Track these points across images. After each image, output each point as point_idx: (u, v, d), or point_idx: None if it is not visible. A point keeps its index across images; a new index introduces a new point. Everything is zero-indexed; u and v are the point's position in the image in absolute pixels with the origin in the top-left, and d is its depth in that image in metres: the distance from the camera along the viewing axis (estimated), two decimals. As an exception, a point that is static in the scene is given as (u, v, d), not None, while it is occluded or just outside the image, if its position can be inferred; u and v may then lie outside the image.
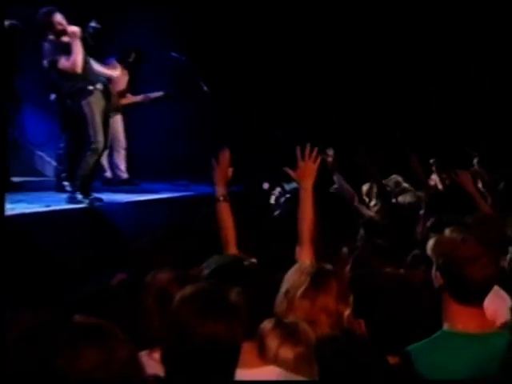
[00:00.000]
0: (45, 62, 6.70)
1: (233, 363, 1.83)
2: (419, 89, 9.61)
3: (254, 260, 3.07)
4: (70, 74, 6.47)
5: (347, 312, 2.54)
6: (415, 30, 9.35)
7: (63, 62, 6.42)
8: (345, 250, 3.65)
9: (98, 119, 6.53)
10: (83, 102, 6.48)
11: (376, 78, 9.48)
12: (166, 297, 2.34)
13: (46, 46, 6.60)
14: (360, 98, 9.49)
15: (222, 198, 3.39)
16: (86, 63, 6.51)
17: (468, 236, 2.73)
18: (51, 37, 6.52)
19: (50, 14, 6.47)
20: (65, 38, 6.46)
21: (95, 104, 6.53)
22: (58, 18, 6.47)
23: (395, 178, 6.50)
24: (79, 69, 6.41)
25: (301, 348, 2.30)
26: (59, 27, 6.45)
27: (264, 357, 2.25)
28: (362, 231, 4.12)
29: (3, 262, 4.20)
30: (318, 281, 2.54)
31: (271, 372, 2.17)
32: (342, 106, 9.46)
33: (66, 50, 6.42)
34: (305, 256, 3.22)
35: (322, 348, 2.07)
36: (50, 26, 6.47)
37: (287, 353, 2.28)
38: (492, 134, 9.01)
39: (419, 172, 5.45)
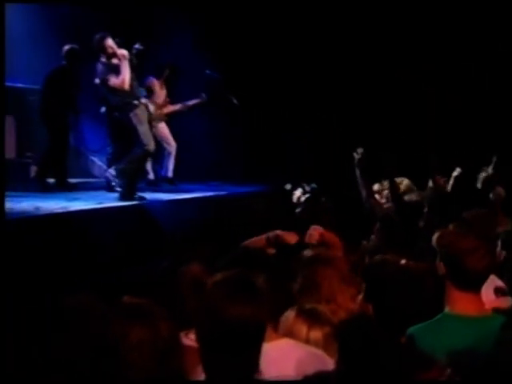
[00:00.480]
0: (97, 80, 6.82)
1: (259, 341, 1.81)
2: (420, 90, 9.14)
3: (272, 251, 3.13)
4: (118, 91, 6.53)
5: (360, 296, 2.55)
6: (417, 31, 8.91)
7: (113, 80, 6.50)
8: (364, 242, 3.67)
9: (146, 127, 6.62)
10: (131, 114, 6.54)
11: (383, 83, 9.16)
12: (198, 284, 2.33)
13: (99, 66, 6.69)
14: (369, 103, 9.18)
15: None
16: (131, 80, 6.58)
17: (468, 230, 2.74)
18: (103, 59, 6.60)
19: (102, 39, 6.54)
20: (115, 60, 6.53)
21: (141, 115, 6.60)
22: (109, 42, 6.54)
23: (402, 179, 6.45)
24: (127, 86, 6.49)
25: (327, 328, 2.31)
26: (110, 50, 6.52)
27: (279, 333, 2.24)
28: (378, 224, 4.11)
29: (52, 252, 4.27)
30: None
31: (286, 344, 2.18)
32: (357, 110, 9.19)
33: (116, 69, 6.50)
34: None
35: (344, 328, 2.06)
36: (103, 49, 6.55)
37: (317, 334, 2.29)
38: (494, 134, 8.51)
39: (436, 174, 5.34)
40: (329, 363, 2.11)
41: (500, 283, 2.96)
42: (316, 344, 2.24)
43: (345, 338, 1.98)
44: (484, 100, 8.92)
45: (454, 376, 1.91)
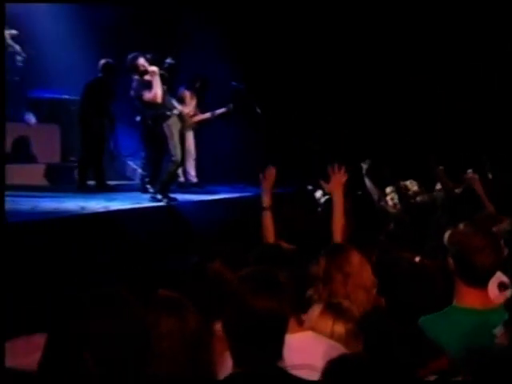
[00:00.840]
0: (132, 93, 6.90)
1: (282, 332, 1.81)
2: (429, 94, 9.03)
3: (293, 247, 3.05)
4: (152, 104, 6.62)
5: (374, 290, 2.52)
6: (428, 39, 8.81)
7: (147, 95, 6.59)
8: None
9: (176, 138, 6.67)
10: (164, 125, 6.61)
11: (395, 91, 9.08)
12: (219, 279, 2.37)
13: (133, 82, 6.79)
14: (382, 110, 9.16)
15: (266, 207, 3.38)
16: (164, 93, 6.64)
17: (477, 230, 2.72)
18: (136, 76, 6.69)
19: (134, 59, 6.64)
20: (147, 76, 6.61)
21: (173, 126, 6.66)
22: (141, 61, 6.64)
23: (411, 181, 6.44)
24: (159, 99, 6.57)
25: (351, 324, 2.27)
26: (142, 68, 6.62)
27: (302, 325, 2.22)
28: (392, 225, 4.11)
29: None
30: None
31: (308, 336, 2.17)
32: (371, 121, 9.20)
33: (148, 85, 6.59)
34: None
35: (367, 321, 2.05)
36: (135, 68, 6.65)
37: (341, 329, 2.25)
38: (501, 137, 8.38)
39: (443, 179, 5.31)
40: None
41: (504, 279, 2.94)
42: (339, 339, 2.21)
43: (366, 330, 1.97)
44: (492, 103, 8.75)
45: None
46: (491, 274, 2.46)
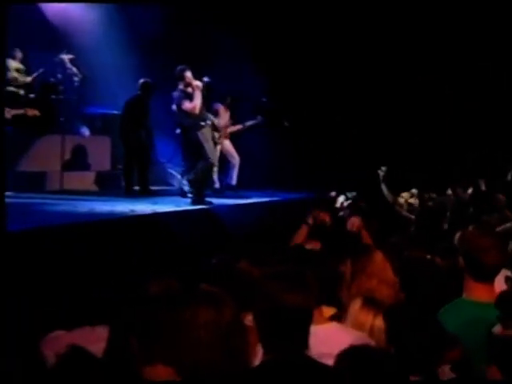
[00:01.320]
0: (174, 107, 6.95)
1: (308, 324, 1.81)
2: (441, 102, 8.79)
3: (317, 245, 3.11)
4: (190, 114, 6.69)
5: (396, 286, 2.48)
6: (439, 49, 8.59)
7: (186, 105, 6.66)
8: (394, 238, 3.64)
9: (210, 144, 6.75)
10: (199, 133, 6.67)
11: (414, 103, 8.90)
12: (248, 276, 2.36)
13: (176, 93, 6.84)
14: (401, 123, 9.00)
15: (309, 224, 3.49)
16: (201, 106, 6.72)
17: (484, 232, 2.71)
18: (181, 86, 6.75)
19: (183, 71, 6.71)
20: (189, 89, 6.69)
21: (207, 134, 6.73)
22: (189, 74, 6.72)
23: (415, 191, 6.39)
24: (197, 111, 6.65)
25: None
26: (187, 80, 6.69)
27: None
28: (413, 228, 4.09)
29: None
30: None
31: (333, 327, 2.14)
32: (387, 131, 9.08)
33: (190, 96, 6.67)
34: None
35: (391, 315, 2.00)
36: (182, 78, 6.72)
37: (380, 323, 2.19)
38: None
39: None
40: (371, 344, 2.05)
41: (509, 274, 2.91)
42: (379, 331, 2.15)
43: (390, 323, 1.94)
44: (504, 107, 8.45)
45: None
46: (497, 271, 2.47)
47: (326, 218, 3.37)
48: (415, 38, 8.80)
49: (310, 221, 3.47)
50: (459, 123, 8.93)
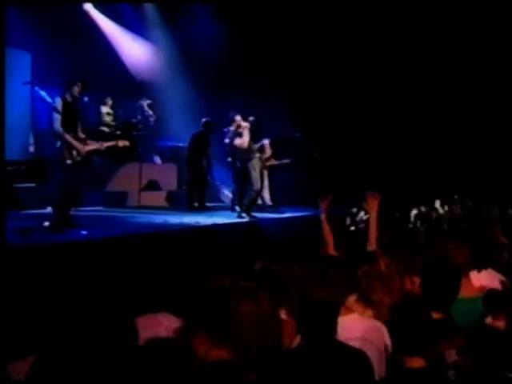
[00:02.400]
0: (226, 140, 7.14)
1: (335, 315, 1.79)
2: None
3: (336, 253, 3.05)
4: (240, 148, 6.81)
5: (399, 285, 2.36)
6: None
7: (237, 142, 6.78)
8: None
9: (257, 174, 6.79)
10: (249, 164, 6.75)
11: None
12: (280, 277, 2.29)
13: (229, 131, 7.03)
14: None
15: (323, 220, 3.48)
16: (250, 142, 6.80)
17: (464, 245, 2.66)
18: (232, 128, 6.90)
19: (234, 115, 6.88)
20: (240, 129, 6.82)
21: (255, 165, 6.79)
22: (238, 117, 6.88)
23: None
24: (245, 145, 6.74)
25: (375, 311, 2.17)
26: (238, 123, 6.85)
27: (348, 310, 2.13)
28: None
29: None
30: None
31: (353, 317, 2.10)
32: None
33: (240, 134, 6.78)
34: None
35: (400, 307, 1.91)
36: (233, 121, 6.88)
37: (370, 313, 2.16)
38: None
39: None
40: (383, 330, 2.03)
41: (502, 277, 2.79)
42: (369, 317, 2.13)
43: (399, 314, 1.86)
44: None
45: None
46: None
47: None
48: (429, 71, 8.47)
49: (323, 217, 3.44)
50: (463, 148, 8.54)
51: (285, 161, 8.25)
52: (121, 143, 5.28)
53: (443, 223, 4.89)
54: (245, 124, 6.83)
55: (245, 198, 6.78)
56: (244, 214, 6.58)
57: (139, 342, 1.46)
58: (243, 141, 6.75)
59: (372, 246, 3.13)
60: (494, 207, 5.07)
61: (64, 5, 7.81)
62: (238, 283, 1.49)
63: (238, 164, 7.04)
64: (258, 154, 7.01)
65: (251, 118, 7.30)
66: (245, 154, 6.81)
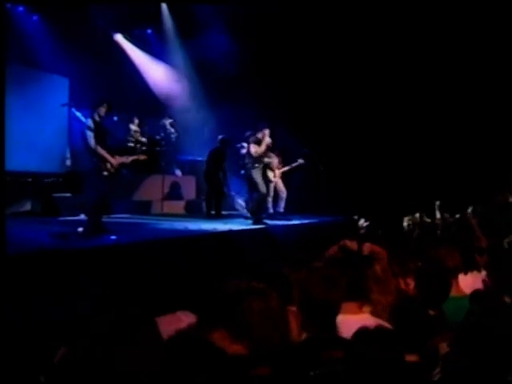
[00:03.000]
0: (243, 150, 7.06)
1: (335, 313, 1.78)
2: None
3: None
4: (249, 156, 6.73)
5: (393, 285, 2.32)
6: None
7: (252, 149, 6.68)
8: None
9: (261, 179, 6.71)
10: (252, 171, 6.70)
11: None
12: (288, 278, 2.21)
13: (242, 147, 7.01)
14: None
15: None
16: (262, 154, 6.76)
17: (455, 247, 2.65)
18: (259, 135, 6.78)
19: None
20: (262, 140, 6.70)
21: (257, 173, 6.70)
22: (267, 131, 6.76)
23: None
24: (256, 154, 6.67)
25: (371, 307, 2.09)
26: (264, 134, 6.70)
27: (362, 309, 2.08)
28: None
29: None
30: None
31: (365, 317, 2.05)
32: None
33: (259, 143, 6.70)
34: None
35: (397, 304, 1.92)
36: (261, 131, 6.77)
37: (367, 309, 2.09)
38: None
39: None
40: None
41: (484, 277, 2.75)
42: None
43: (397, 311, 1.87)
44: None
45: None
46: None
47: (354, 246, 3.20)
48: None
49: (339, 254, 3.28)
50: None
51: (295, 164, 8.05)
52: (141, 157, 5.51)
53: (436, 229, 4.83)
54: (268, 140, 6.73)
55: (253, 207, 6.75)
56: (256, 222, 6.53)
57: (163, 337, 1.46)
58: (258, 150, 6.63)
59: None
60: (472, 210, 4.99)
61: (97, 35, 8.04)
62: (251, 284, 1.49)
63: (243, 171, 6.96)
64: (261, 164, 6.88)
65: (266, 131, 7.27)
66: (250, 163, 6.72)
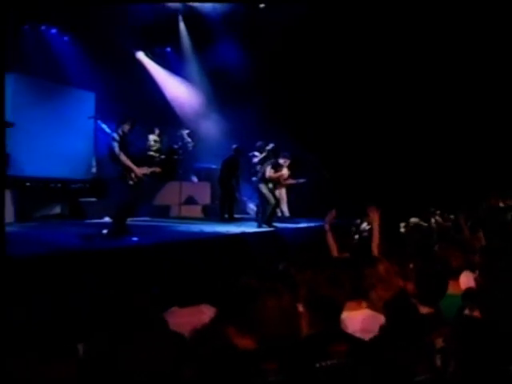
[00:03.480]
0: (255, 160, 7.10)
1: (340, 309, 1.76)
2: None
3: (347, 255, 3.02)
4: (263, 175, 6.74)
5: (395, 284, 2.29)
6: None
7: (268, 173, 6.72)
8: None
9: (267, 191, 6.72)
10: (261, 185, 6.76)
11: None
12: (294, 278, 2.23)
13: (254, 156, 7.07)
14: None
15: (328, 229, 3.40)
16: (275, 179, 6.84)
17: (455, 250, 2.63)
18: (274, 161, 6.88)
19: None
20: (281, 165, 6.85)
21: (264, 187, 6.74)
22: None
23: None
24: (268, 178, 6.72)
25: (366, 303, 2.09)
26: (285, 161, 6.97)
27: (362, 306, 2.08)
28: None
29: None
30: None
31: (365, 312, 2.06)
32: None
33: (277, 167, 6.79)
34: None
35: (395, 301, 1.88)
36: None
37: (366, 305, 2.12)
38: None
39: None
40: (380, 318, 1.92)
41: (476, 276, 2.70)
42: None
43: (393, 305, 1.85)
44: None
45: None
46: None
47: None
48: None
49: (327, 227, 3.34)
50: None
51: (301, 180, 8.09)
52: (157, 170, 5.66)
53: (433, 233, 4.77)
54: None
55: (264, 212, 6.74)
56: (266, 225, 6.55)
57: (186, 328, 1.47)
58: (272, 175, 6.65)
59: (374, 252, 3.08)
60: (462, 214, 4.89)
61: (121, 54, 8.19)
62: (264, 282, 1.49)
63: (254, 178, 6.96)
64: (269, 184, 6.85)
65: (271, 145, 7.30)
66: (260, 178, 6.77)
